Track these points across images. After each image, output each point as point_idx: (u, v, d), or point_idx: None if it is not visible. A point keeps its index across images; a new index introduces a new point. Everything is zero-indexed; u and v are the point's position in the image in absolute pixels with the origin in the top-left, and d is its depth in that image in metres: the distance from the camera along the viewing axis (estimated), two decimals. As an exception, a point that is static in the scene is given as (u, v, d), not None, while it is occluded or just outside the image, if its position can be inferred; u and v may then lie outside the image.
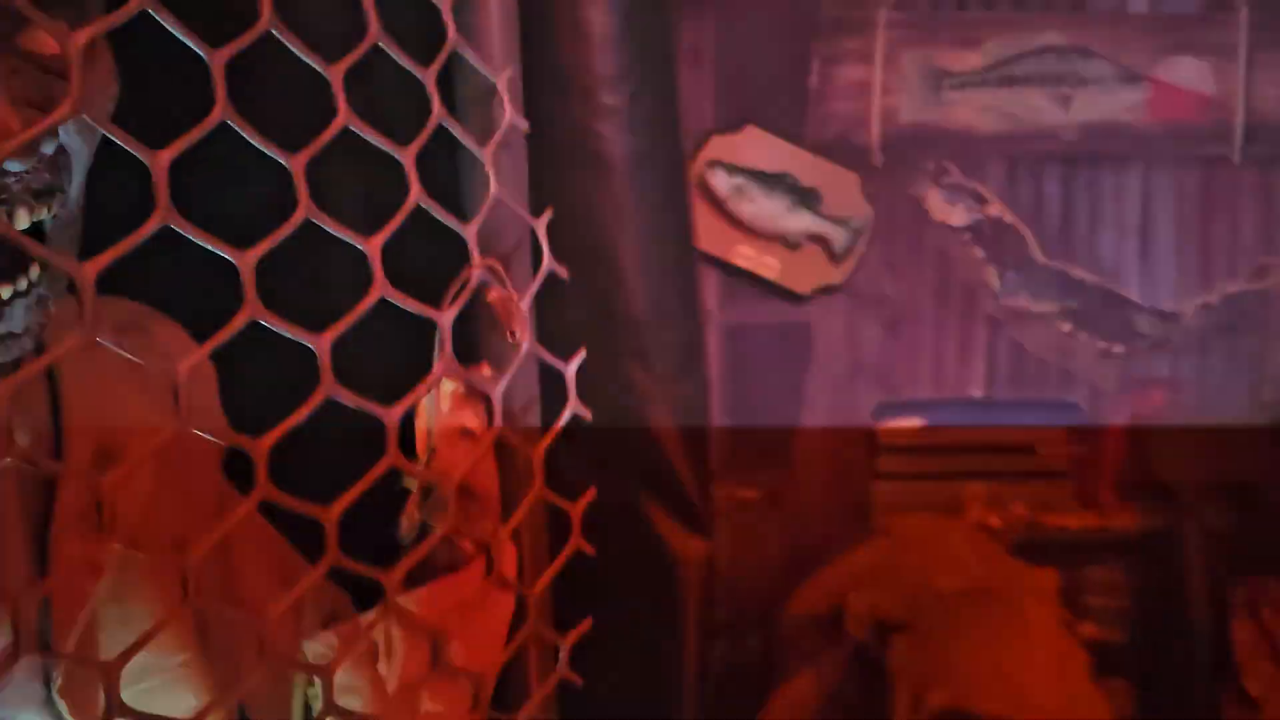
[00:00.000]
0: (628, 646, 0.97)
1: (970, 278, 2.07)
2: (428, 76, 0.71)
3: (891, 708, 1.34)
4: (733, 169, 1.95)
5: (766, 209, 1.97)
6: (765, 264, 1.99)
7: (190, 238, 0.56)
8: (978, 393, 2.11)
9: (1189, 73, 2.02)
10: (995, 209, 2.04)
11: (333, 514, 0.60)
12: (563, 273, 0.74)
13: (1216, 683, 1.87)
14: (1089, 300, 2.07)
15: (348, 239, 0.62)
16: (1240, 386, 2.08)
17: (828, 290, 2.04)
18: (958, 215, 2.05)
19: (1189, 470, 2.05)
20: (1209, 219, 2.06)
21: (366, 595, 0.78)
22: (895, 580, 1.53)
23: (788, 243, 1.99)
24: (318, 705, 0.78)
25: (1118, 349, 2.08)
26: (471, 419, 0.74)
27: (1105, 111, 2.03)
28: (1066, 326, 2.08)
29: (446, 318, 0.65)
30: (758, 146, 1.98)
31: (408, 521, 0.75)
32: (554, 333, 0.85)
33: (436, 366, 0.65)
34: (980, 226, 2.06)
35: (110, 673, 0.56)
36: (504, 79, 0.78)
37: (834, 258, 2.00)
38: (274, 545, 0.76)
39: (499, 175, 0.71)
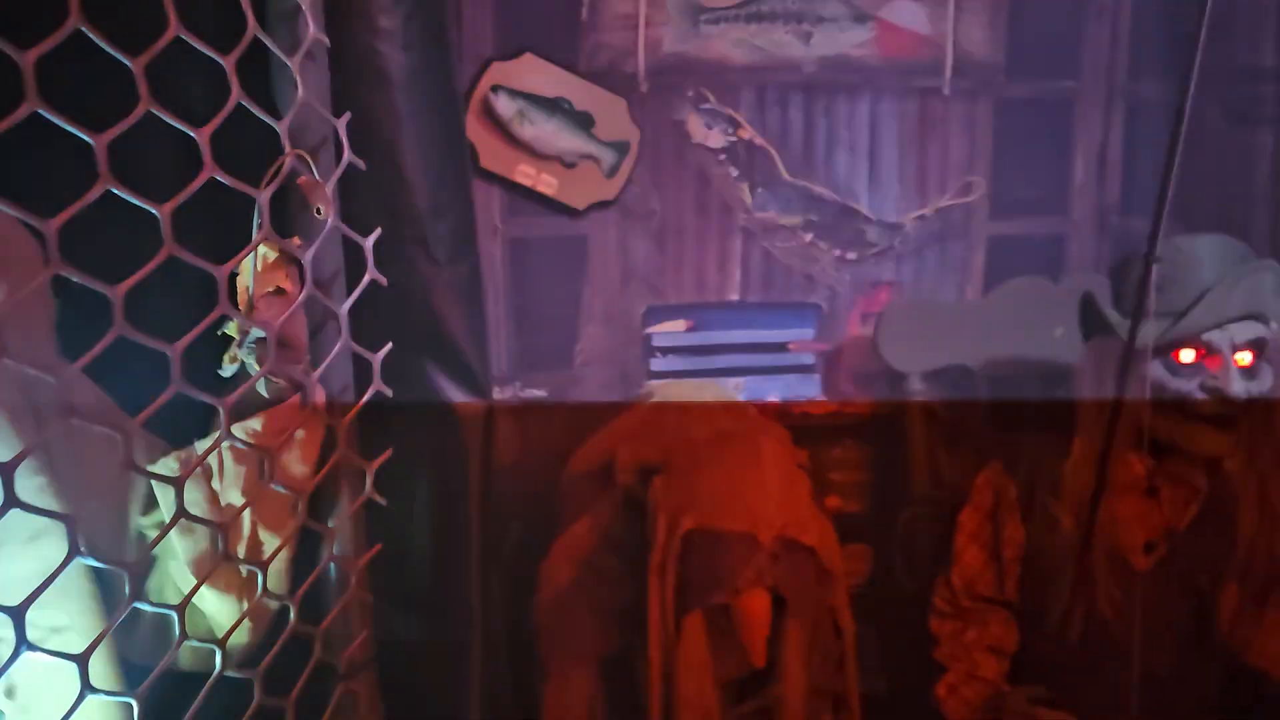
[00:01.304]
0: (425, 486, 1.16)
1: (726, 194, 2.31)
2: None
3: (652, 536, 1.54)
4: (513, 93, 2.10)
5: (545, 130, 2.13)
6: (544, 181, 2.16)
7: (57, 123, 0.70)
8: (735, 296, 2.36)
9: (908, 15, 2.31)
10: (747, 133, 2.28)
11: (177, 349, 0.76)
12: (360, 164, 0.90)
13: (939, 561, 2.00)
14: (827, 213, 2.35)
15: (182, 128, 0.77)
16: (951, 285, 2.43)
17: (601, 205, 2.23)
18: (714, 138, 2.27)
19: (913, 359, 2.37)
20: (925, 143, 2.37)
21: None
22: (656, 434, 1.70)
23: (564, 162, 2.16)
24: (151, 533, 0.93)
25: (851, 255, 2.37)
26: (284, 280, 0.90)
27: (839, 47, 2.29)
28: (808, 237, 2.35)
29: (264, 195, 0.81)
30: (535, 73, 2.13)
31: (229, 361, 0.90)
32: (354, 222, 1.01)
33: (257, 235, 0.81)
34: (734, 148, 2.29)
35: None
36: None
37: (606, 175, 2.19)
38: (102, 403, 0.89)
39: (305, 82, 0.87)
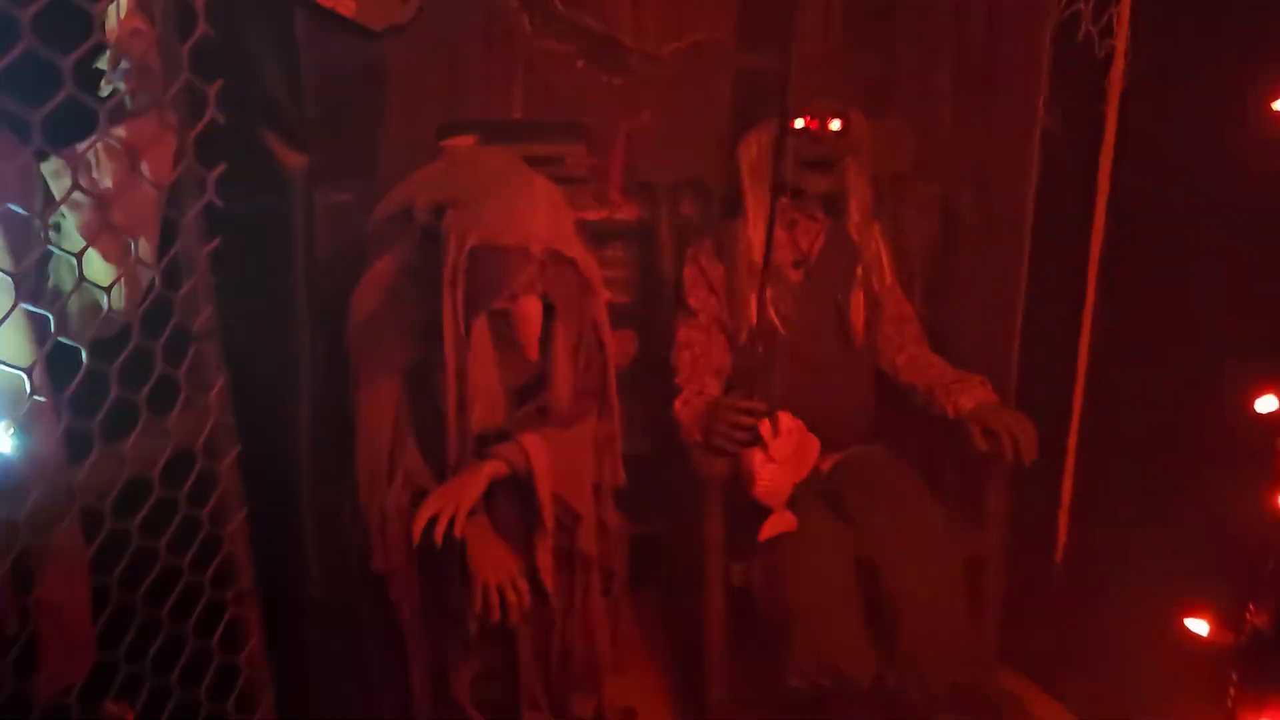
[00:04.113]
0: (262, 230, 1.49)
1: (509, 22, 2.62)
2: None
3: (444, 257, 1.86)
4: (311, -79, 2.33)
5: (342, -44, 2.37)
6: (343, 4, 2.40)
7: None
8: (518, 115, 2.70)
9: None
10: (527, -35, 2.58)
11: (69, 61, 1.08)
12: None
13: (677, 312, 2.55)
14: (597, 44, 2.68)
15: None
16: (701, 108, 2.82)
17: (396, 29, 2.50)
18: (497, -31, 2.57)
19: (665, 173, 2.74)
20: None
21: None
22: (448, 179, 2.00)
23: (362, -13, 2.41)
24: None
25: (617, 81, 2.74)
26: (140, 23, 1.21)
27: (606, -104, 2.62)
28: (581, 63, 2.71)
29: (127, -47, 1.12)
30: (330, -96, 2.35)
31: (105, 84, 1.21)
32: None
33: (120, -14, 1.13)
34: (516, -21, 2.59)
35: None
36: None
37: (402, 1, 2.46)
38: None
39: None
